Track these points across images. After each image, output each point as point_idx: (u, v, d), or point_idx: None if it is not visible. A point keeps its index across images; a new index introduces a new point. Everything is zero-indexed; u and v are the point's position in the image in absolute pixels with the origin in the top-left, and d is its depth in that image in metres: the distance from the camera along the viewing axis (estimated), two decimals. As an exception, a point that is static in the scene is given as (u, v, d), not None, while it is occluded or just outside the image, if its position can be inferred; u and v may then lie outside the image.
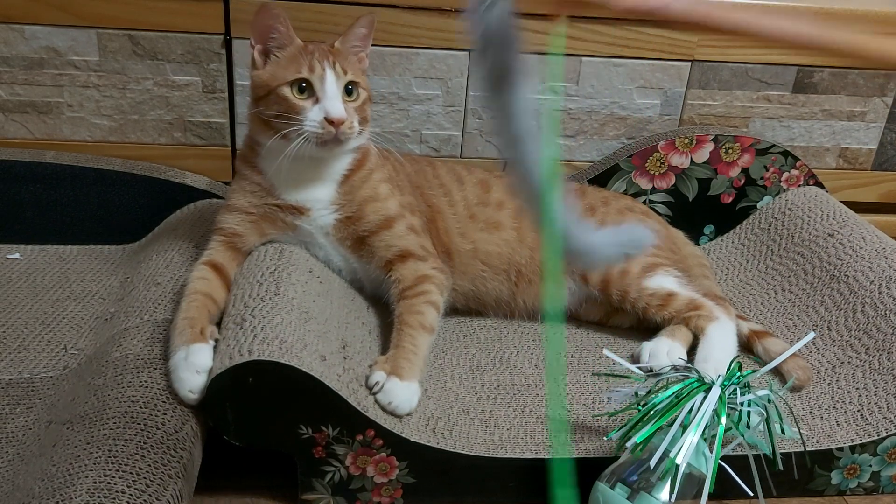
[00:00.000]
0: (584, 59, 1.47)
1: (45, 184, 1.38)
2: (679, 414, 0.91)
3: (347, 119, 1.07)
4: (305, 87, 1.07)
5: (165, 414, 0.92)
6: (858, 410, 1.09)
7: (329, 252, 1.17)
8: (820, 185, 1.54)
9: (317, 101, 1.07)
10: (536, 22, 1.55)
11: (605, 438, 1.01)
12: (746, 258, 1.48)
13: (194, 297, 1.05)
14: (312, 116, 1.06)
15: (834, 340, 1.21)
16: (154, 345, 1.03)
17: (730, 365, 0.97)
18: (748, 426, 0.93)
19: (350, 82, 1.09)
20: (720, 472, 0.91)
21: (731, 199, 1.54)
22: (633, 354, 1.19)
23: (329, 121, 1.05)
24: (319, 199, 1.13)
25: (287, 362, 0.91)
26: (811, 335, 1.02)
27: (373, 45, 1.40)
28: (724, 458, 0.93)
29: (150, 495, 0.83)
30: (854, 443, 1.05)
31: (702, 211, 1.54)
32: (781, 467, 0.96)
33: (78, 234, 1.41)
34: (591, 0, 0.69)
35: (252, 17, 1.09)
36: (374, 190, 1.16)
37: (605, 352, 1.08)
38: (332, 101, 1.06)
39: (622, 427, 0.96)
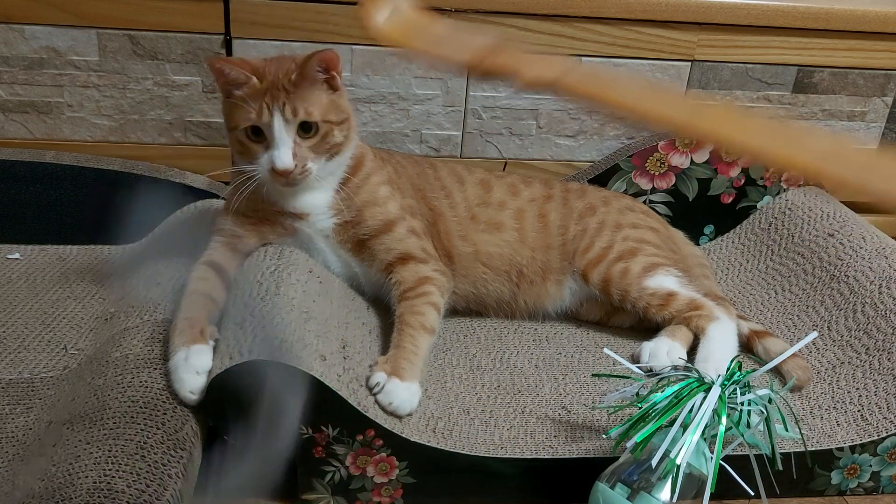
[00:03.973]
0: (584, 59, 1.47)
1: (45, 184, 1.38)
2: (679, 414, 0.91)
3: (297, 166, 1.05)
4: (259, 130, 1.05)
5: (165, 414, 0.92)
6: (858, 410, 1.09)
7: (328, 256, 1.17)
8: (820, 184, 1.54)
9: (268, 146, 1.05)
10: (537, 22, 1.55)
11: (604, 437, 1.01)
12: (746, 258, 1.48)
13: (194, 298, 1.05)
14: (263, 163, 1.06)
15: (834, 340, 1.21)
16: (154, 345, 1.03)
17: (730, 365, 0.97)
18: (748, 426, 0.93)
19: (304, 123, 1.05)
20: (720, 472, 0.91)
21: (731, 199, 1.54)
22: (633, 354, 1.19)
23: (275, 171, 1.05)
24: (317, 205, 1.13)
25: (287, 362, 0.91)
26: (814, 334, 1.02)
27: (373, 45, 1.41)
28: (724, 458, 0.93)
29: (150, 495, 0.83)
30: (854, 443, 1.05)
31: (702, 211, 1.54)
32: (781, 467, 0.96)
33: (78, 234, 1.41)
34: (500, 72, 0.68)
35: (209, 60, 1.06)
36: (372, 194, 1.16)
37: (606, 350, 1.08)
38: (279, 149, 1.04)
39: (622, 426, 0.96)
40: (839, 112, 1.58)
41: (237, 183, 1.09)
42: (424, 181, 1.27)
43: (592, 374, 1.15)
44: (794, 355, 1.13)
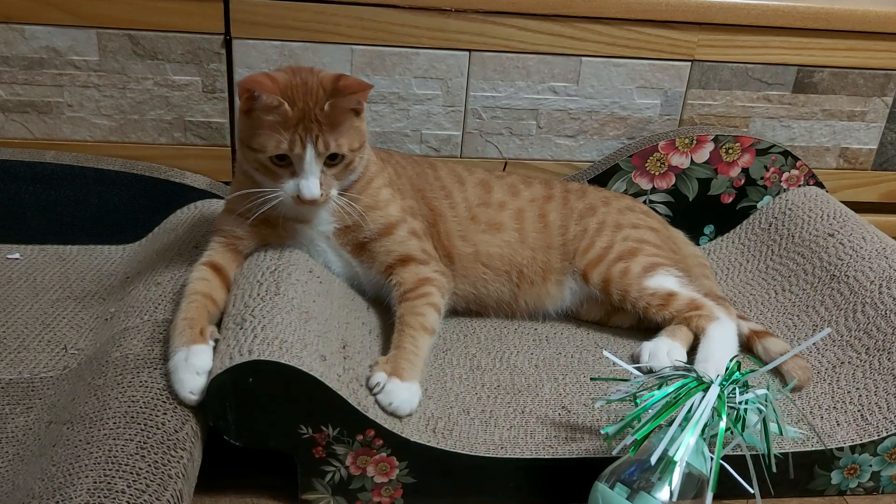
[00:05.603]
0: (584, 59, 1.47)
1: (45, 184, 1.38)
2: (678, 413, 0.91)
3: (322, 195, 1.05)
4: (286, 156, 1.04)
5: (166, 414, 0.92)
6: (858, 410, 1.09)
7: (329, 257, 1.17)
8: (820, 185, 1.54)
9: (294, 173, 1.05)
10: (537, 22, 1.55)
11: (601, 433, 1.01)
12: (746, 258, 1.48)
13: (194, 298, 1.05)
14: (288, 189, 1.05)
15: (834, 340, 1.21)
16: (154, 345, 1.03)
17: (729, 364, 0.97)
18: (746, 425, 0.93)
19: (333, 154, 1.05)
20: (719, 472, 0.90)
21: (731, 199, 1.54)
22: (632, 354, 1.19)
23: (301, 199, 1.05)
24: (319, 211, 1.13)
25: (287, 362, 0.91)
26: (828, 330, 1.01)
27: (373, 45, 1.41)
28: (724, 458, 0.93)
29: (150, 495, 0.83)
30: (854, 443, 1.05)
31: (702, 211, 1.54)
32: (775, 469, 0.95)
33: (78, 234, 1.41)
34: None
35: (241, 81, 1.03)
36: (373, 198, 1.15)
37: (605, 353, 1.08)
38: (308, 179, 1.04)
39: (616, 424, 0.96)
40: (839, 112, 1.58)
41: (258, 200, 1.07)
42: (424, 181, 1.27)
43: (591, 378, 1.15)
44: (794, 355, 1.13)
